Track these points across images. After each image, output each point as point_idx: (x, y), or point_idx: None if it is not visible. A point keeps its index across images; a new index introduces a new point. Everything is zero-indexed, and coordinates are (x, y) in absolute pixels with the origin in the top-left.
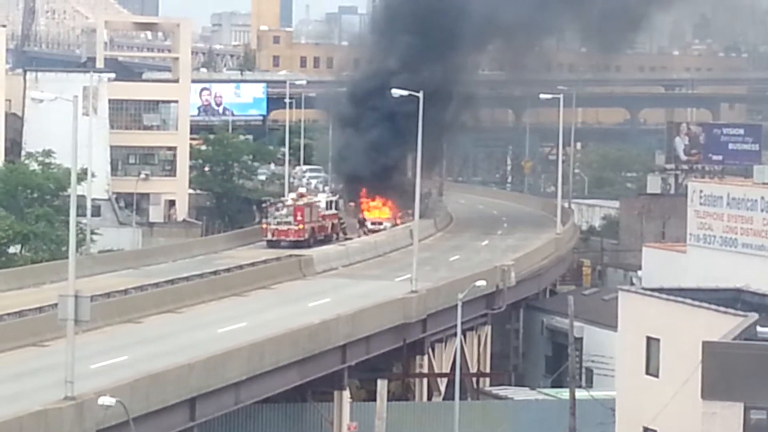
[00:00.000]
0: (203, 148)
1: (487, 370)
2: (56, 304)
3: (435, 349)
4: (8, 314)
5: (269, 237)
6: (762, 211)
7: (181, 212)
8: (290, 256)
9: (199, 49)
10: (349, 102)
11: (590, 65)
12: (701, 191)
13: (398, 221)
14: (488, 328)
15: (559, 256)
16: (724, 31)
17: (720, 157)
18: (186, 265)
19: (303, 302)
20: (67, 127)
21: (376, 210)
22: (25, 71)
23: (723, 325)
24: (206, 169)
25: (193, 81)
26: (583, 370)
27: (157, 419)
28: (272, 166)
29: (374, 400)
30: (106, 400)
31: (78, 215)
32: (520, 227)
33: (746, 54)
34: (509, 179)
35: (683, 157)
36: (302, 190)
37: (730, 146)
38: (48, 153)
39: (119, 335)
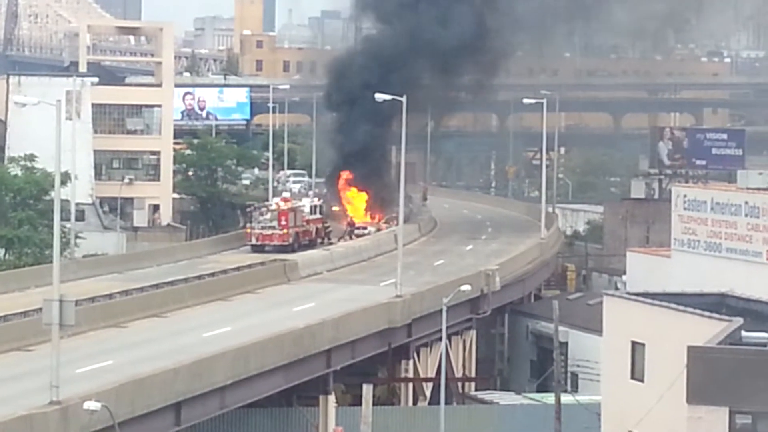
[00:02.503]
0: (187, 152)
1: (473, 375)
2: (41, 309)
3: (420, 353)
4: None
5: (254, 241)
6: (746, 215)
7: (165, 217)
8: (275, 260)
9: (183, 53)
10: (333, 106)
11: (574, 70)
12: (685, 196)
13: (382, 226)
14: (473, 333)
15: (544, 261)
16: (707, 36)
17: (704, 162)
18: (170, 270)
19: (288, 307)
20: (51, 132)
21: (359, 204)
22: (8, 75)
23: (708, 330)
24: (190, 173)
25: (177, 85)
26: (569, 375)
27: (142, 424)
28: (256, 170)
29: (359, 404)
30: (91, 405)
31: (62, 219)
32: (505, 232)
33: (729, 59)
34: (493, 184)
35: (667, 162)
36: (286, 194)
37: (714, 151)
38: (31, 157)
39: (104, 340)
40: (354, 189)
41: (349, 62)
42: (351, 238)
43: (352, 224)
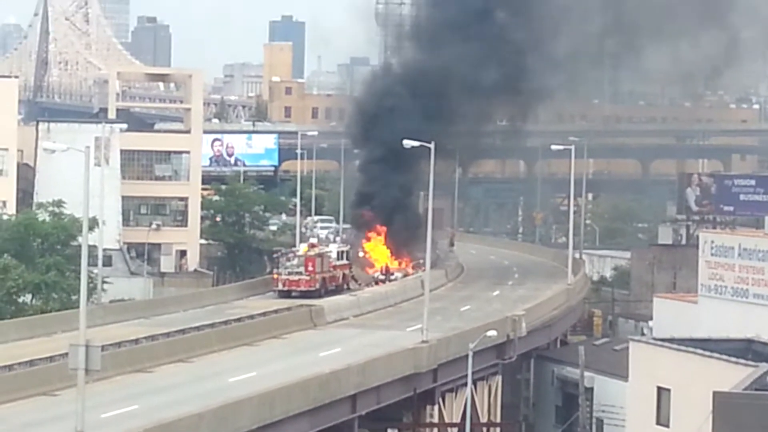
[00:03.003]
0: (215, 198)
1: (498, 421)
2: (67, 354)
3: (446, 398)
4: (19, 363)
5: (280, 287)
6: None
7: (193, 262)
8: (301, 306)
9: (212, 99)
10: (360, 150)
11: (602, 116)
12: (712, 242)
13: (409, 271)
14: (499, 378)
15: (570, 307)
16: (735, 83)
17: (731, 208)
18: (197, 315)
19: (313, 352)
20: (79, 178)
21: (384, 250)
22: (37, 122)
23: (734, 376)
24: (218, 219)
25: (205, 132)
26: (594, 421)
27: None
28: (283, 216)
29: None
30: None
31: (89, 265)
32: (531, 278)
33: (757, 105)
34: (520, 230)
35: (694, 208)
36: (313, 240)
37: (742, 197)
38: (59, 203)
39: (130, 385)
40: (380, 235)
41: (377, 104)
42: (386, 282)
43: (387, 270)
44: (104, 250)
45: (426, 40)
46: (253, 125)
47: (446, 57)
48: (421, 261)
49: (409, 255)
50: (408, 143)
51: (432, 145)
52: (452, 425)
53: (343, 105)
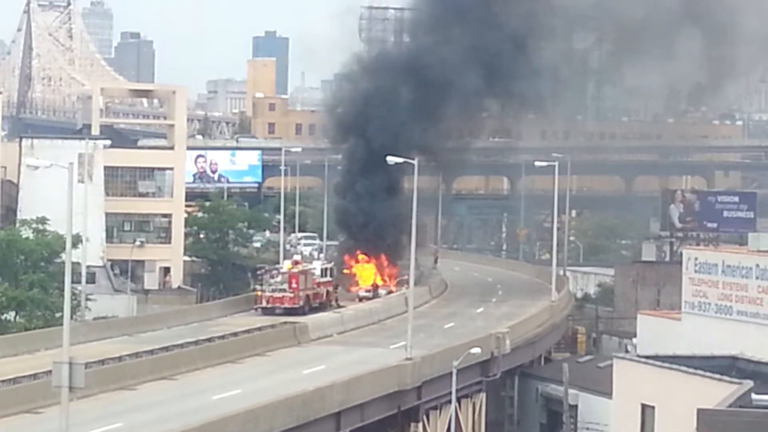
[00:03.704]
0: (198, 215)
1: None
2: (50, 371)
3: (430, 416)
4: (2, 381)
5: (264, 304)
6: (757, 278)
7: (176, 279)
8: (285, 323)
9: (195, 116)
10: (342, 168)
11: (585, 133)
12: (696, 258)
13: (393, 288)
14: (483, 396)
15: (554, 324)
16: (719, 99)
17: (715, 225)
18: (181, 332)
19: (297, 369)
20: (63, 194)
21: (368, 268)
22: (20, 138)
23: (718, 393)
24: (201, 236)
25: (189, 148)
26: None
27: None
28: (267, 233)
29: None
30: None
31: (73, 282)
32: (515, 295)
33: (740, 122)
34: (504, 246)
35: (678, 225)
36: (297, 257)
37: (725, 214)
38: (42, 219)
39: (114, 402)
40: (363, 253)
41: (359, 119)
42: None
43: (375, 287)
44: (88, 267)
45: (410, 44)
46: (237, 141)
47: (430, 61)
48: (405, 278)
49: (395, 267)
50: (391, 159)
51: (416, 161)
52: None
53: (327, 121)
